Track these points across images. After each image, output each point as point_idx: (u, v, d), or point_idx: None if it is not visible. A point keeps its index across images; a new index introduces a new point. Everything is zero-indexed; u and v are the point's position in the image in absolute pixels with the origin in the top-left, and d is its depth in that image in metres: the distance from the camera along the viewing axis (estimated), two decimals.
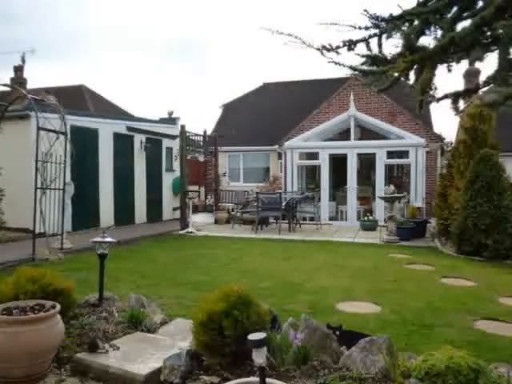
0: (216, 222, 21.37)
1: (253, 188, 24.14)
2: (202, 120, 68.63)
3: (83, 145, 16.68)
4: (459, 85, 22.25)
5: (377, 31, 6.01)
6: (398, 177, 24.27)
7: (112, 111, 27.37)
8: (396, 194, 16.09)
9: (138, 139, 20.41)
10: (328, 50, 5.99)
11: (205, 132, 22.64)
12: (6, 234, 14.47)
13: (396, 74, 6.17)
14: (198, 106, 79.61)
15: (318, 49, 5.98)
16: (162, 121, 24.14)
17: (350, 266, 11.26)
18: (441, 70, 5.85)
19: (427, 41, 6.20)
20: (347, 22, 5.87)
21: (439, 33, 5.61)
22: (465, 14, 5.47)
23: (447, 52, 5.34)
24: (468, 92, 6.16)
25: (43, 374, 4.51)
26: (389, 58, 6.01)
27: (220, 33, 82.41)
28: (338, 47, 5.96)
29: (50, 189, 13.06)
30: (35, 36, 65.57)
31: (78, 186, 14.72)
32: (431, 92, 6.07)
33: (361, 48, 6.25)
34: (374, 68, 6.25)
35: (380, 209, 19.77)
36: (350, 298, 8.30)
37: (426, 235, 16.87)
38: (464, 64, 5.87)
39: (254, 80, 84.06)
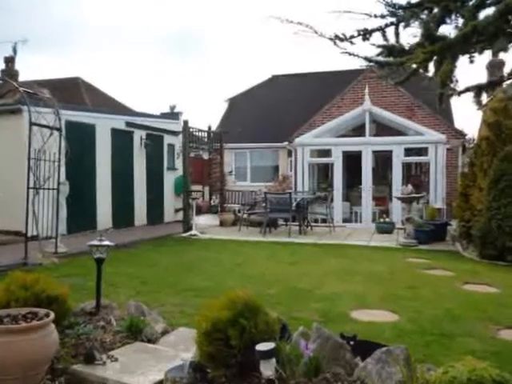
0: (221, 224, 21.35)
1: (261, 188, 24.10)
2: (206, 115, 68.74)
3: (79, 141, 16.69)
4: (482, 77, 22.22)
5: (394, 20, 6.01)
6: (416, 176, 24.20)
7: (110, 105, 27.36)
8: (414, 195, 16.06)
9: (138, 135, 20.45)
10: (341, 40, 5.98)
11: (209, 128, 22.68)
12: None
13: (414, 66, 6.16)
14: (201, 100, 79.77)
15: (331, 38, 5.97)
16: (164, 116, 24.17)
17: (364, 271, 11.25)
18: (462, 61, 5.84)
19: (448, 30, 6.19)
20: (362, 9, 5.86)
21: (460, 21, 5.60)
22: (488, 1, 5.47)
23: (469, 42, 5.33)
24: (491, 85, 6.15)
25: None
26: (406, 48, 6.01)
27: (225, 23, 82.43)
28: (352, 37, 5.96)
29: (44, 189, 13.04)
30: (27, 25, 65.66)
31: (74, 186, 14.70)
32: (452, 85, 6.06)
33: (376, 38, 6.24)
34: (391, 59, 6.25)
35: (397, 210, 19.71)
36: (364, 305, 8.30)
37: (447, 238, 16.80)
38: (487, 55, 5.86)
39: (261, 73, 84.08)
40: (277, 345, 4.08)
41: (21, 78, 21.82)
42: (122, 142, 19.47)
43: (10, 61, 21.92)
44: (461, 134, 21.98)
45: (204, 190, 26.31)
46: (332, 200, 20.44)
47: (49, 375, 4.81)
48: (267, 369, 3.45)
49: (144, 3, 73.86)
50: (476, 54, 5.66)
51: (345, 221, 21.23)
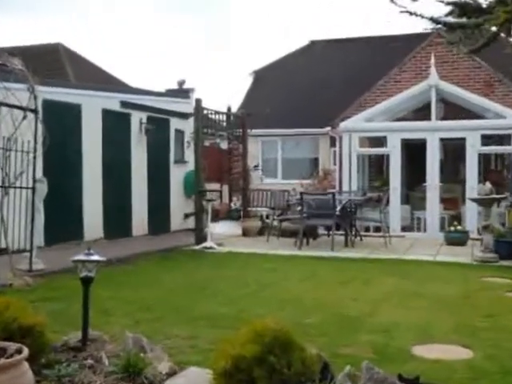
0: (244, 233, 21.40)
1: (295, 187, 24.03)
2: (224, 93, 68.63)
3: (61, 126, 16.68)
4: None
5: None
6: (496, 171, 24.07)
7: (101, 80, 27.42)
8: (494, 195, 15.97)
9: (137, 119, 20.49)
10: None
11: (229, 109, 22.66)
12: None
13: (494, 29, 6.14)
14: (219, 73, 79.59)
15: None
16: (170, 93, 24.18)
17: (429, 294, 11.21)
18: None
19: None
20: None
21: None
22: None
23: None
24: None
25: None
26: (484, 5, 5.99)
27: None
28: None
29: (15, 187, 13.04)
30: None
31: (54, 184, 14.63)
32: None
33: None
34: (464, 20, 6.23)
35: (472, 215, 19.63)
36: (430, 338, 8.27)
37: None
38: None
39: (295, 38, 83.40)
40: None
41: None
42: (115, 126, 19.49)
43: None
44: None
45: (222, 190, 26.34)
46: (388, 202, 20.40)
47: None
48: None
49: None
50: None
51: (404, 229, 21.21)
